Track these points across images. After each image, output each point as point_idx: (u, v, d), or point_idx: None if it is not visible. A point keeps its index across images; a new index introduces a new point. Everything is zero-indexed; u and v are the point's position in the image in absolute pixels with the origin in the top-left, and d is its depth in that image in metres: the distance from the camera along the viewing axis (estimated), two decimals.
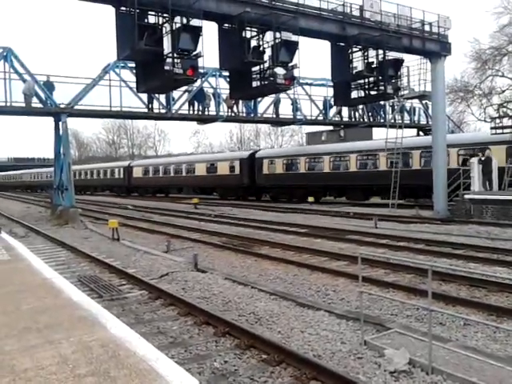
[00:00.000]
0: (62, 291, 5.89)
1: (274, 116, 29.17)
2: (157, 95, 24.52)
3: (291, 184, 33.33)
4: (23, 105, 22.24)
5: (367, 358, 5.55)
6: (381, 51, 19.04)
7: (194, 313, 7.36)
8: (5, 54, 21.77)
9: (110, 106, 24.11)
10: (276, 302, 8.12)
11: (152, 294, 8.71)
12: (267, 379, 5.15)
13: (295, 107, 29.45)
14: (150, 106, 25.09)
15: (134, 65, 19.46)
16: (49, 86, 23.14)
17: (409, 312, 7.45)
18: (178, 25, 14.70)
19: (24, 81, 22.35)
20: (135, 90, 20.28)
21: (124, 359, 3.61)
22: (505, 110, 39.72)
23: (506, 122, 23.00)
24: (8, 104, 21.62)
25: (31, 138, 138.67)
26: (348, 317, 7.15)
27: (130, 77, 23.57)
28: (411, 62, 23.49)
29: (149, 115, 26.06)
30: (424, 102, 33.28)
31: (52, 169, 27.36)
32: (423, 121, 34.98)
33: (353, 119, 31.82)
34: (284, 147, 51.36)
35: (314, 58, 32.51)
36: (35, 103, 22.91)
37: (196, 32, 14.77)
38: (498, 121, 23.78)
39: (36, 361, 3.62)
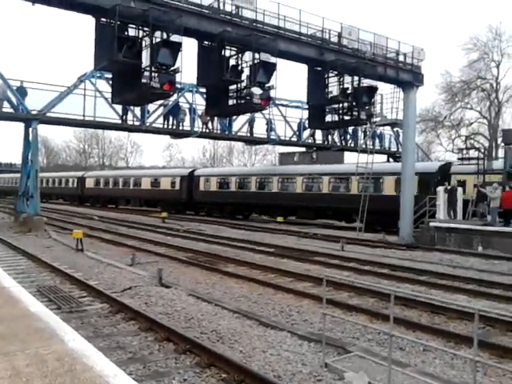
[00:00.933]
0: (20, 301, 5.71)
1: (249, 134, 29.34)
2: (132, 107, 24.39)
3: (223, 201, 35.49)
4: None
5: (327, 381, 5.57)
6: (356, 78, 19.47)
7: (156, 328, 7.26)
8: None
9: (84, 116, 23.82)
10: (239, 320, 8.08)
11: (113, 308, 8.55)
12: None
13: (270, 127, 29.71)
14: (125, 117, 24.92)
15: (110, 75, 19.36)
16: (21, 92, 22.76)
17: (370, 336, 7.52)
18: (158, 39, 14.74)
19: None
20: (110, 100, 20.14)
21: (80, 374, 3.52)
22: (472, 141, 41.05)
23: (472, 153, 23.75)
24: None
25: (5, 143, 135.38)
26: (310, 338, 7.17)
27: (105, 87, 23.41)
28: (385, 89, 24.13)
29: (122, 126, 25.86)
30: (395, 129, 34.09)
31: (18, 175, 26.76)
32: (393, 148, 35.75)
33: (326, 142, 32.28)
34: (217, 168, 52.92)
35: (290, 79, 32.99)
36: (6, 108, 22.47)
37: (176, 47, 14.83)
38: (465, 152, 24.53)
39: None
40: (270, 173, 33.79)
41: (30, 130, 23.19)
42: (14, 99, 22.55)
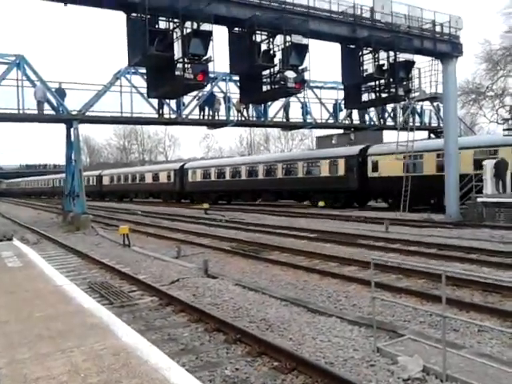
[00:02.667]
0: (74, 298, 5.90)
1: (284, 120, 29.14)
2: (167, 100, 24.63)
3: (206, 190, 40.90)
4: (35, 112, 22.45)
5: (380, 366, 5.48)
6: (391, 53, 18.96)
7: (205, 319, 7.33)
8: (17, 61, 22.01)
9: (121, 112, 24.26)
10: (287, 308, 8.07)
11: (162, 301, 8.70)
12: None
13: (305, 111, 29.39)
14: (161, 111, 25.20)
15: (144, 70, 19.59)
16: (60, 93, 23.35)
17: (422, 318, 7.36)
18: (189, 30, 14.77)
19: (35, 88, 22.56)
20: (146, 95, 20.40)
21: (136, 368, 3.59)
22: None
23: None
24: (21, 111, 21.83)
25: (43, 145, 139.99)
26: (360, 323, 7.08)
27: (140, 82, 23.74)
28: (422, 63, 23.37)
29: (159, 120, 26.18)
30: (435, 103, 33.06)
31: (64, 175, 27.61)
32: (434, 123, 34.72)
33: (363, 122, 31.69)
34: (202, 161, 55.38)
35: (324, 60, 32.52)
36: (47, 110, 23.13)
37: (206, 37, 14.82)
38: (510, 122, 23.54)
39: (47, 370, 3.62)
40: (239, 163, 39.27)
41: (72, 130, 23.81)
42: (53, 101, 23.17)
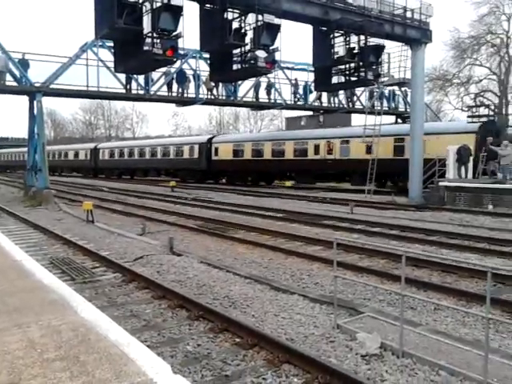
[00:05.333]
0: (33, 273, 5.78)
1: (254, 100, 29.00)
2: (135, 76, 24.11)
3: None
4: None
5: (339, 342, 5.62)
6: (362, 37, 19.05)
7: (169, 296, 7.33)
8: None
9: (87, 86, 23.63)
10: (251, 285, 8.14)
11: (126, 277, 8.64)
12: (240, 362, 5.16)
13: (275, 91, 29.30)
14: (129, 86, 24.67)
15: (112, 44, 19.07)
16: (23, 64, 22.50)
17: (381, 296, 7.56)
18: (159, 4, 14.41)
19: None
20: (113, 69, 19.90)
21: (94, 343, 3.56)
22: (481, 99, 40.30)
23: (482, 111, 23.36)
24: None
25: (5, 117, 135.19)
26: (322, 301, 7.22)
27: (108, 56, 23.10)
28: (392, 48, 23.57)
29: (126, 96, 25.65)
30: (403, 89, 33.50)
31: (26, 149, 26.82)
32: (402, 108, 35.23)
33: (332, 105, 31.86)
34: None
35: (295, 42, 32.36)
36: (9, 81, 22.29)
37: (177, 12, 14.52)
38: (474, 110, 24.13)
39: (2, 345, 3.54)
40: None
41: (35, 102, 23.05)
42: (16, 72, 22.33)
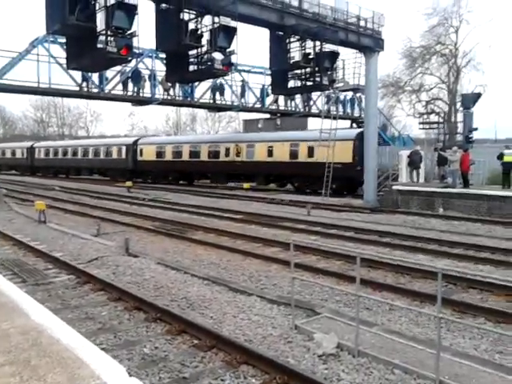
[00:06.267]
0: None
1: (211, 101, 28.87)
2: (89, 74, 23.48)
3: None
4: None
5: (297, 342, 5.65)
6: (318, 43, 19.30)
7: (125, 298, 7.19)
8: None
9: (38, 83, 22.77)
10: (209, 287, 8.09)
11: (80, 279, 8.42)
12: (198, 364, 5.12)
13: (232, 93, 29.28)
14: (84, 83, 23.99)
15: (64, 40, 18.50)
16: None
17: (338, 297, 7.67)
18: (113, 1, 14.08)
19: None
20: (66, 66, 19.30)
21: (46, 347, 3.42)
22: (432, 106, 41.72)
23: (432, 117, 24.17)
24: None
25: None
26: (279, 302, 7.25)
27: (60, 52, 22.37)
28: (347, 55, 24.04)
29: (79, 94, 24.86)
30: (358, 94, 34.20)
31: None
32: (357, 113, 35.97)
33: (289, 108, 32.16)
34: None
35: (252, 45, 32.49)
36: None
37: (131, 10, 14.21)
38: (425, 116, 24.94)
39: None
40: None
41: None
42: None
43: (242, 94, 29.79)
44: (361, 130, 26.50)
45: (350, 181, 25.92)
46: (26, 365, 3.14)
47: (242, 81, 29.71)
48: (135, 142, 40.15)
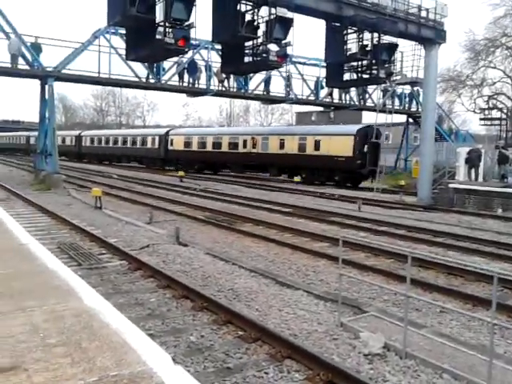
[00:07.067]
0: (39, 258, 5.77)
1: (265, 93, 28.86)
2: (147, 64, 24.04)
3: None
4: (9, 65, 21.65)
5: (342, 340, 5.59)
6: (376, 34, 18.89)
7: (173, 286, 7.33)
8: None
9: (99, 73, 23.58)
10: (256, 279, 8.12)
11: (132, 265, 8.65)
12: (242, 355, 5.15)
13: (287, 86, 29.14)
14: (145, 74, 24.60)
15: (124, 31, 19.01)
16: (36, 48, 22.48)
17: (386, 296, 7.51)
18: None
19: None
20: (124, 57, 19.85)
21: (97, 331, 3.54)
22: (494, 101, 39.89)
23: (494, 113, 23.13)
24: None
25: (17, 101, 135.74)
26: (326, 298, 7.19)
27: (120, 43, 23.02)
28: (405, 47, 23.37)
29: (137, 84, 25.55)
30: (415, 88, 33.22)
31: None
32: (413, 107, 34.95)
33: (343, 101, 31.67)
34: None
35: (308, 36, 32.23)
36: (21, 65, 22.30)
37: (189, 1, 14.44)
38: (486, 112, 23.88)
39: (6, 328, 3.54)
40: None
41: (46, 87, 23.07)
42: (28, 55, 22.32)
43: (295, 87, 29.63)
44: (362, 125, 29.62)
45: (351, 173, 28.06)
46: (77, 347, 3.26)
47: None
48: (167, 133, 42.44)
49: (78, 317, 3.80)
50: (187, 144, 39.60)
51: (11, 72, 22.34)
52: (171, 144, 41.21)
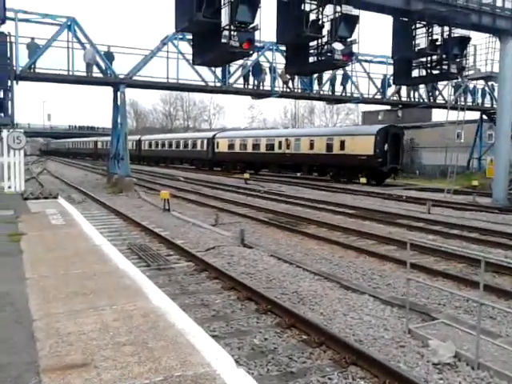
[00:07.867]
0: (111, 258, 6.04)
1: (330, 93, 28.56)
2: (213, 68, 24.53)
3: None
4: (84, 74, 22.87)
5: (410, 347, 5.41)
6: (446, 28, 18.16)
7: (238, 288, 7.41)
8: (69, 23, 22.31)
9: (167, 78, 24.38)
10: (320, 282, 8.03)
11: (198, 266, 8.84)
12: (306, 360, 5.11)
13: (352, 85, 28.67)
14: (212, 78, 25.15)
15: (191, 37, 19.49)
16: (109, 56, 23.61)
17: (457, 303, 7.18)
18: None
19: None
20: (191, 62, 20.34)
21: (163, 331, 3.65)
22: None
23: None
24: (70, 73, 22.26)
25: (91, 107, 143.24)
26: (393, 303, 6.98)
27: (187, 49, 23.65)
28: (478, 40, 22.28)
29: (204, 88, 26.14)
30: (490, 83, 31.57)
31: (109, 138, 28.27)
32: (487, 103, 33.25)
33: (412, 99, 30.68)
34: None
35: (373, 33, 31.58)
36: (96, 73, 23.48)
37: (254, 4, 14.57)
38: None
39: (79, 325, 3.73)
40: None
41: (119, 93, 24.16)
42: (102, 64, 23.47)
43: (361, 85, 29.10)
44: (383, 125, 30.99)
45: (372, 170, 29.45)
46: (144, 346, 3.37)
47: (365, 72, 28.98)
48: (214, 136, 45.37)
49: (146, 317, 3.93)
50: (231, 146, 42.28)
51: (87, 80, 23.60)
52: (217, 146, 44.05)
